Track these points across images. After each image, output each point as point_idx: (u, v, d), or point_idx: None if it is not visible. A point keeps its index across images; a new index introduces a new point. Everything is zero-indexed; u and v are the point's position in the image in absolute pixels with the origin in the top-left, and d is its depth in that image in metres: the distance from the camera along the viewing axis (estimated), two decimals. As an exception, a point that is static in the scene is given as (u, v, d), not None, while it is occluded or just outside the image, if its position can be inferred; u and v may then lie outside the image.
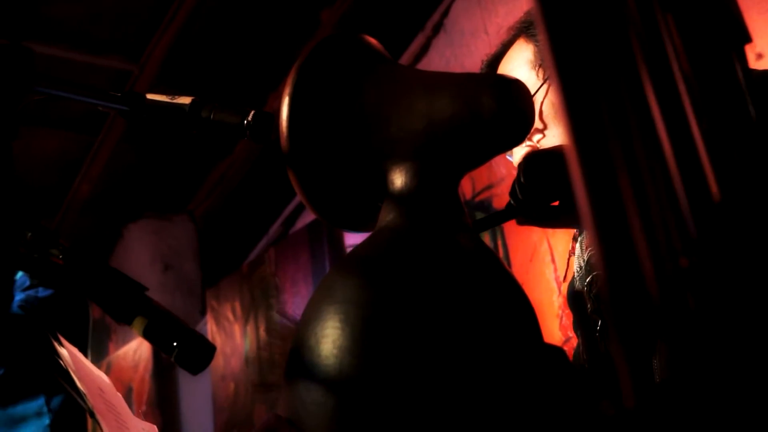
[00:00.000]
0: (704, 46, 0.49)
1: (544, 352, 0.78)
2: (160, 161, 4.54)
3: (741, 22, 0.52)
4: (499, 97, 0.83)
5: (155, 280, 4.78)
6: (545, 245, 2.56)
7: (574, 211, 1.08)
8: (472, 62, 2.96)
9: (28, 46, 0.87)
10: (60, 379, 1.12)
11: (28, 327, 1.91)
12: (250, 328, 4.16)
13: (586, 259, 1.30)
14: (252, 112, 0.89)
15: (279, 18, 3.62)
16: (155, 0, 3.41)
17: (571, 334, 1.53)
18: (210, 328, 4.42)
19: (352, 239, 3.53)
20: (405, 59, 3.37)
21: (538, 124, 1.28)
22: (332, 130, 0.89)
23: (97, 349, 5.21)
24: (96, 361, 4.51)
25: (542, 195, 1.08)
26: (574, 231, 1.39)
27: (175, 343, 0.78)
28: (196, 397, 4.55)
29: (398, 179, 0.86)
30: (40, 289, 1.98)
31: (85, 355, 1.60)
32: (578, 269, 1.33)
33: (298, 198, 1.12)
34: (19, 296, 1.97)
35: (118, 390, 1.25)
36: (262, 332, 4.07)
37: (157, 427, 1.29)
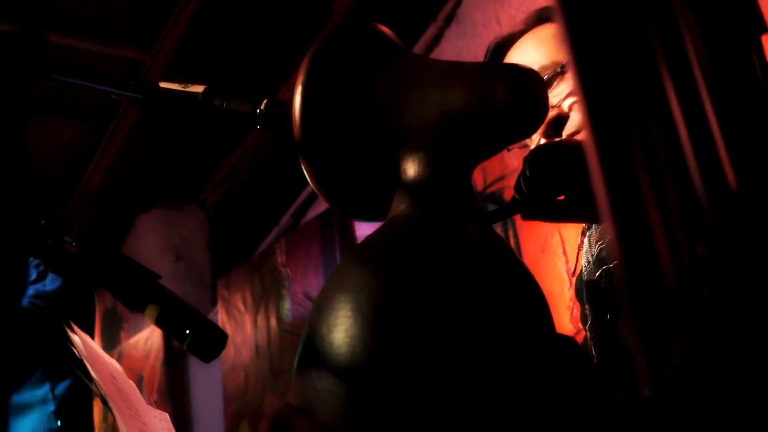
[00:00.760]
0: (721, 37, 0.49)
1: (556, 341, 0.78)
2: (172, 151, 4.56)
3: (758, 13, 0.52)
4: (513, 87, 0.82)
5: (166, 270, 4.80)
6: (557, 237, 2.56)
7: (580, 207, 1.08)
8: (484, 53, 2.95)
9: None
10: (73, 366, 1.13)
11: (40, 324, 1.91)
12: (260, 318, 4.17)
13: (594, 253, 1.29)
14: (265, 101, 0.89)
15: (290, 8, 3.62)
16: (167, -10, 3.42)
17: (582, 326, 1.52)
18: (221, 318, 4.43)
19: (363, 230, 3.53)
20: (417, 50, 3.36)
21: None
22: (345, 119, 0.89)
23: (108, 338, 5.24)
24: (107, 351, 4.52)
25: (548, 189, 1.06)
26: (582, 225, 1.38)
27: (187, 331, 0.78)
28: (207, 386, 4.56)
29: (411, 169, 0.86)
30: (47, 281, 1.99)
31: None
32: (586, 264, 1.32)
33: (310, 188, 1.12)
34: (28, 291, 1.97)
35: (129, 378, 1.26)
36: (272, 322, 4.08)
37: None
